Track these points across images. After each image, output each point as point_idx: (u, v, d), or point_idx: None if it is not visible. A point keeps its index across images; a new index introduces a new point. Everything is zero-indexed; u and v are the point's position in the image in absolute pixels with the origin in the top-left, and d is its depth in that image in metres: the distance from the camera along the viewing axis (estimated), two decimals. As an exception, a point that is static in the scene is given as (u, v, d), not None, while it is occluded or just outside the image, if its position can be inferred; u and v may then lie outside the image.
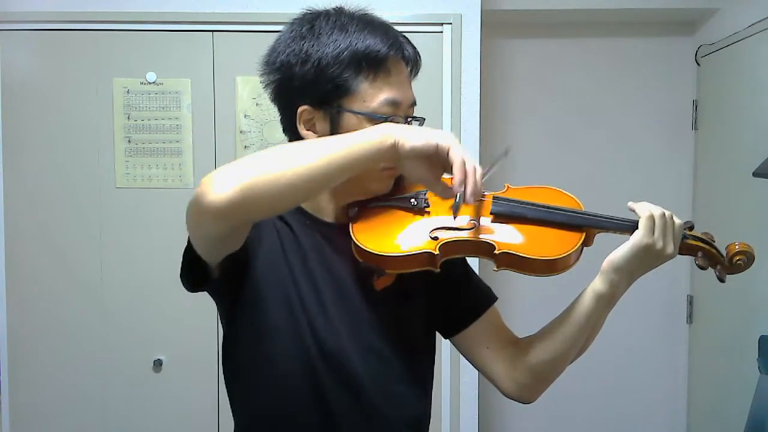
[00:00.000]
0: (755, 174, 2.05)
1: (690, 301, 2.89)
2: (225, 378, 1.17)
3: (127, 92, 2.38)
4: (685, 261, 2.86)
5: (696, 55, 2.82)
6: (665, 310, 2.94)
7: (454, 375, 2.41)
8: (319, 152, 0.91)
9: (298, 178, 0.89)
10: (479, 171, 0.96)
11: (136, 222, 2.36)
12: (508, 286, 2.88)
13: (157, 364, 2.36)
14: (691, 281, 2.88)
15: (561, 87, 2.91)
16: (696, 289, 2.87)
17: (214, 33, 2.35)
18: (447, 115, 2.39)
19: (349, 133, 0.94)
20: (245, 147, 2.37)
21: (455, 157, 0.94)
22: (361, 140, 0.92)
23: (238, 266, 1.05)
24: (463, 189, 0.94)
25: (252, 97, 2.36)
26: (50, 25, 2.35)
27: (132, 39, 2.37)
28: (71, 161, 2.37)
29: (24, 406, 2.39)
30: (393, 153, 0.93)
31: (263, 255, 1.08)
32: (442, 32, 2.39)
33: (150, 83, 2.37)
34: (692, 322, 2.90)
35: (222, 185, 0.86)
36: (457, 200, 0.99)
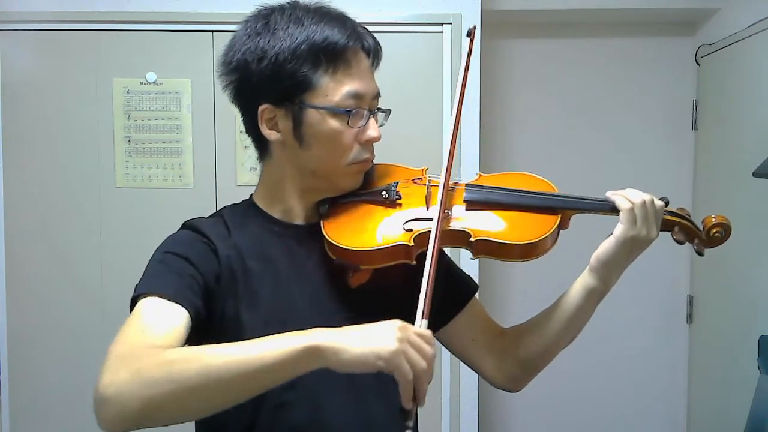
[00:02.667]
0: (755, 174, 2.05)
1: (690, 301, 2.89)
2: None
3: (127, 92, 2.38)
4: (685, 261, 2.87)
5: (696, 55, 2.82)
6: (665, 310, 2.94)
7: (454, 375, 2.41)
8: (222, 379, 0.80)
9: (198, 406, 0.83)
10: (430, 377, 0.85)
11: (136, 222, 2.35)
12: (507, 278, 2.88)
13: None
14: (691, 281, 2.88)
15: (561, 87, 2.91)
16: (696, 289, 2.87)
17: (214, 33, 2.35)
18: (447, 115, 2.39)
19: (263, 345, 0.82)
20: (245, 147, 2.37)
21: (401, 380, 0.83)
22: (275, 358, 0.81)
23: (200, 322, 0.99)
24: (412, 404, 0.85)
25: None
26: (50, 25, 2.35)
27: (132, 39, 2.37)
28: (71, 161, 2.37)
29: (24, 406, 2.39)
30: (319, 365, 0.83)
31: (225, 291, 1.02)
32: (442, 32, 2.39)
33: (150, 83, 2.37)
34: (692, 322, 2.90)
35: (118, 410, 0.80)
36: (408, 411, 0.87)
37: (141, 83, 2.38)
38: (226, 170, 2.38)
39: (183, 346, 0.93)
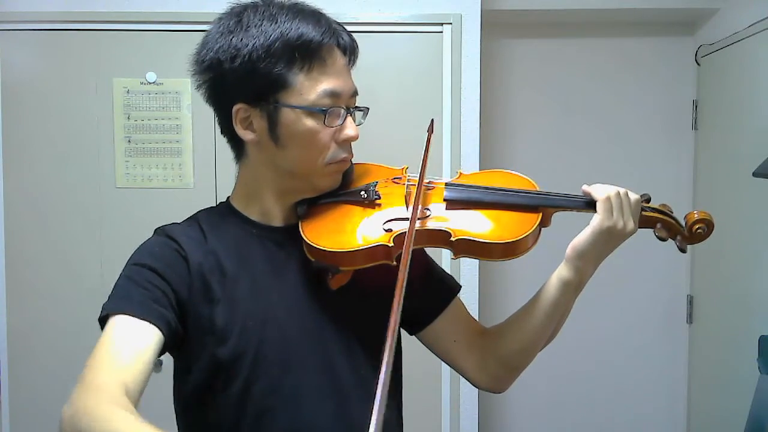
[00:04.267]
0: (755, 174, 2.05)
1: (690, 301, 2.89)
2: (177, 411, 1.11)
3: (127, 92, 2.38)
4: (685, 261, 2.87)
5: (696, 55, 2.82)
6: (665, 310, 2.94)
7: (453, 375, 2.41)
8: None
9: None
10: None
11: (136, 222, 2.35)
12: (507, 279, 2.88)
13: (157, 364, 2.35)
14: (691, 281, 2.88)
15: (561, 87, 2.91)
16: (696, 289, 2.87)
17: (214, 33, 2.34)
18: (447, 116, 2.39)
19: None
20: (245, 147, 2.37)
21: None
22: None
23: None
24: None
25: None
26: (50, 25, 2.35)
27: (132, 39, 2.37)
28: (71, 161, 2.37)
29: (24, 406, 2.39)
30: None
31: (198, 298, 1.01)
32: (442, 32, 2.39)
33: (150, 83, 2.37)
34: (692, 322, 2.90)
35: None
36: None
37: (141, 83, 2.38)
38: (226, 170, 2.36)
39: (156, 361, 0.95)
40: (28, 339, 2.39)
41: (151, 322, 0.94)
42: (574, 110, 2.91)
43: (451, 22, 2.38)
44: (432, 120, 1.17)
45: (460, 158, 2.40)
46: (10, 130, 2.36)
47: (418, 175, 1.06)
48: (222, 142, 2.36)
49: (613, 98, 2.91)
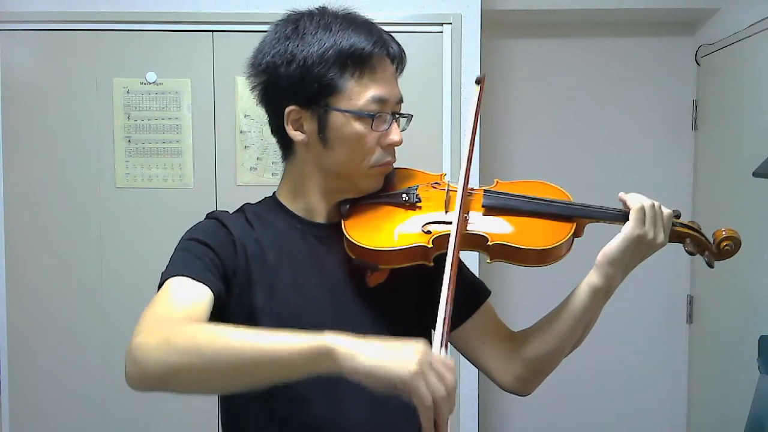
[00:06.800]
0: (755, 174, 2.05)
1: (690, 301, 2.89)
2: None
3: (127, 92, 2.38)
4: (685, 261, 2.87)
5: (696, 55, 2.82)
6: (665, 310, 2.94)
7: (454, 375, 2.41)
8: (242, 355, 0.83)
9: (211, 382, 0.87)
10: (451, 408, 0.83)
11: (136, 222, 2.35)
12: (508, 281, 2.88)
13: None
14: (691, 281, 2.88)
15: (561, 87, 2.91)
16: (696, 289, 2.87)
17: (214, 33, 2.35)
18: (447, 116, 2.40)
19: (281, 337, 0.84)
20: (245, 147, 2.37)
21: (419, 404, 0.81)
22: (289, 352, 0.82)
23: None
24: None
25: (252, 97, 2.36)
26: (50, 25, 2.35)
27: (132, 39, 2.37)
28: (71, 161, 2.37)
29: (24, 406, 2.39)
30: (331, 367, 0.82)
31: (242, 282, 1.06)
32: (442, 32, 2.39)
33: (150, 83, 2.38)
34: (692, 322, 2.90)
35: (141, 370, 0.85)
36: None
37: (141, 83, 2.38)
38: (226, 170, 2.38)
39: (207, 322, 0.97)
40: (28, 339, 2.39)
41: (206, 285, 0.99)
42: (573, 110, 2.91)
43: (451, 22, 2.39)
44: (484, 75, 1.19)
45: (461, 158, 2.40)
46: (10, 130, 2.37)
47: (466, 154, 1.11)
48: (222, 142, 2.37)
49: (613, 98, 2.91)
